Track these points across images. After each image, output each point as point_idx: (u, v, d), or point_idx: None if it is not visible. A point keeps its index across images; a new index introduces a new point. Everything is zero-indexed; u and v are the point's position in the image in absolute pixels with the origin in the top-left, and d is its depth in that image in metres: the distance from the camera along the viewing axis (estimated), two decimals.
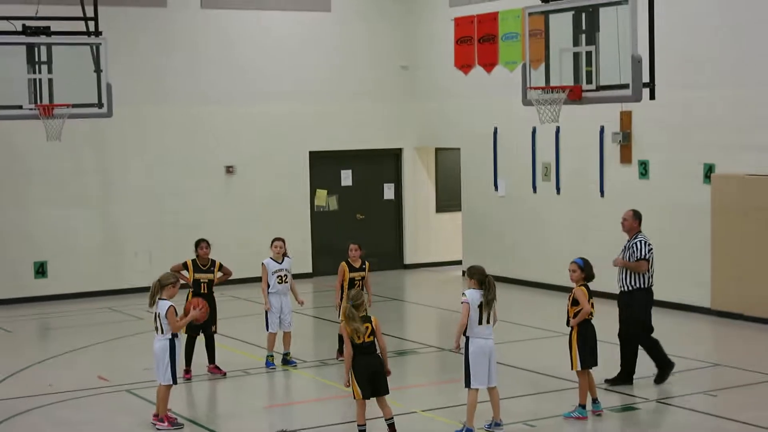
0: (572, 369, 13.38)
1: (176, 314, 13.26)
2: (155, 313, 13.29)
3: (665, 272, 20.37)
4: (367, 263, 16.61)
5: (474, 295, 12.45)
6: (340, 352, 16.80)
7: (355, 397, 12.16)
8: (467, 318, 12.41)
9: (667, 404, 13.77)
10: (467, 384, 12.52)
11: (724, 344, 18.00)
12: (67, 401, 14.65)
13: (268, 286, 16.41)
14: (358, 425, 12.21)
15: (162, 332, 13.25)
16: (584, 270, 13.33)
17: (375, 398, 12.14)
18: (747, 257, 18.61)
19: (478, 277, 12.50)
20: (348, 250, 16.53)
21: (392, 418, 12.20)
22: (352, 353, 12.03)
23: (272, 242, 16.61)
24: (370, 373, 12.04)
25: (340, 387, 15.07)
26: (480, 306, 12.43)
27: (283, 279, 16.47)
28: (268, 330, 16.50)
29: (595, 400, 13.35)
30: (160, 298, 13.25)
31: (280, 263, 16.48)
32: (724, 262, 19.19)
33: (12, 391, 15.15)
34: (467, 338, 12.51)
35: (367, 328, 12.03)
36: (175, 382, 13.29)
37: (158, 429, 13.21)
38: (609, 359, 14.55)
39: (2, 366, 16.07)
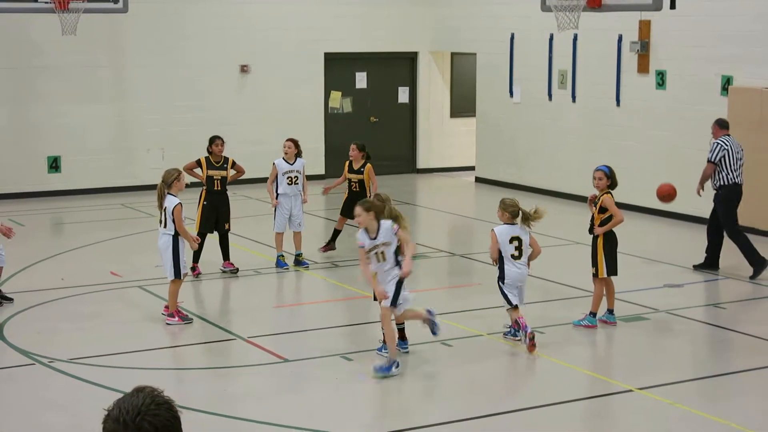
0: (598, 276, 13.14)
1: (182, 213, 13.16)
2: (162, 207, 13.26)
3: (680, 184, 20.36)
4: (367, 165, 16.59)
5: (503, 230, 12.39)
6: (328, 245, 16.98)
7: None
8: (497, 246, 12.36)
9: (676, 315, 13.82)
10: (509, 304, 12.51)
11: (736, 258, 17.99)
12: (79, 296, 14.76)
13: (277, 187, 16.37)
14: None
15: (165, 226, 13.21)
16: (610, 177, 13.15)
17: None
18: (762, 170, 18.55)
19: (512, 210, 12.43)
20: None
21: (403, 323, 12.20)
22: None
23: (284, 143, 16.59)
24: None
25: (350, 288, 15.17)
26: (512, 239, 12.35)
27: (293, 180, 16.37)
28: (275, 230, 16.52)
29: (611, 311, 13.29)
30: (168, 193, 13.22)
31: (292, 164, 16.41)
32: None
33: (26, 284, 15.25)
34: (502, 263, 12.43)
35: None
36: (179, 276, 13.30)
37: (168, 323, 13.34)
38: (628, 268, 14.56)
39: (16, 259, 16.11)
